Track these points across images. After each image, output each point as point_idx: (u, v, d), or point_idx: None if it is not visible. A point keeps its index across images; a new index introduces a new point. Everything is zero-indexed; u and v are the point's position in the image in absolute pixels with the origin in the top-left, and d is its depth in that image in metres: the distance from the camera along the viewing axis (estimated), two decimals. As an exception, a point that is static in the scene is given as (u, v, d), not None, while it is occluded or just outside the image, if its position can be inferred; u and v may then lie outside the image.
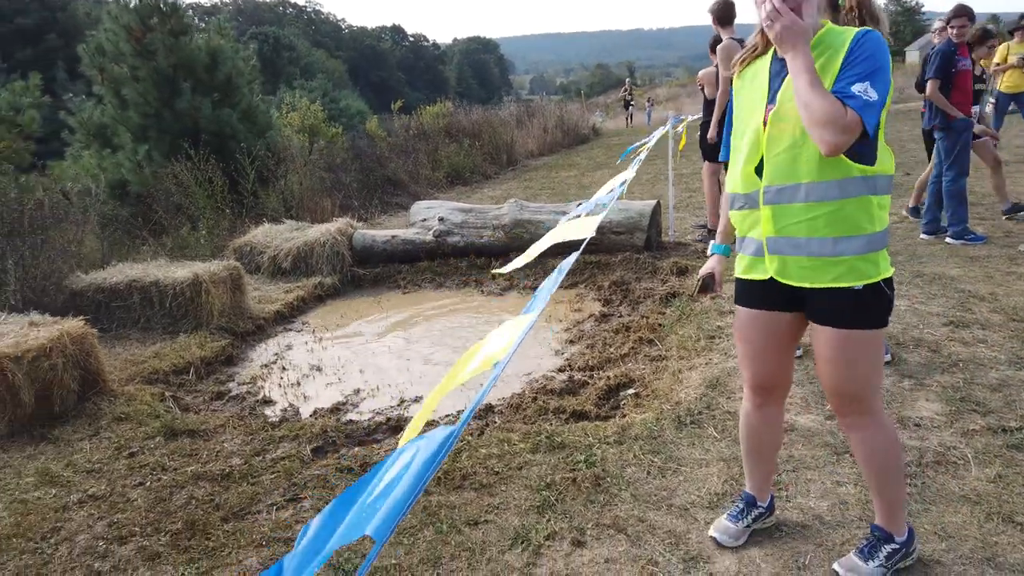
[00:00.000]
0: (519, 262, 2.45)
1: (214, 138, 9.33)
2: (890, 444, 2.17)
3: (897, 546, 2.23)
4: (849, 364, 2.06)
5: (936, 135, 5.98)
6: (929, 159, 6.93)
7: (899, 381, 3.49)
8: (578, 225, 2.32)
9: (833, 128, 1.81)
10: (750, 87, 2.13)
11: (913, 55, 46.76)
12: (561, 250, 2.88)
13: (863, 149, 1.93)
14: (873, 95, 1.84)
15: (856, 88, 1.84)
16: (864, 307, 2.01)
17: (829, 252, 1.98)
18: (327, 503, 3.03)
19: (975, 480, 2.69)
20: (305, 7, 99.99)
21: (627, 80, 32.18)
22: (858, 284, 1.99)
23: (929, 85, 5.78)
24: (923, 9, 69.93)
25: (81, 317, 4.29)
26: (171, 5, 9.56)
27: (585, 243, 2.47)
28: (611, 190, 3.31)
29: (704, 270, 2.47)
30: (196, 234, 7.68)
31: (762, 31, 2.06)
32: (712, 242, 2.52)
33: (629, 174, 3.62)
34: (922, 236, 6.19)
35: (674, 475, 2.92)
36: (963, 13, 5.78)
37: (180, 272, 5.40)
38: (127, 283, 5.34)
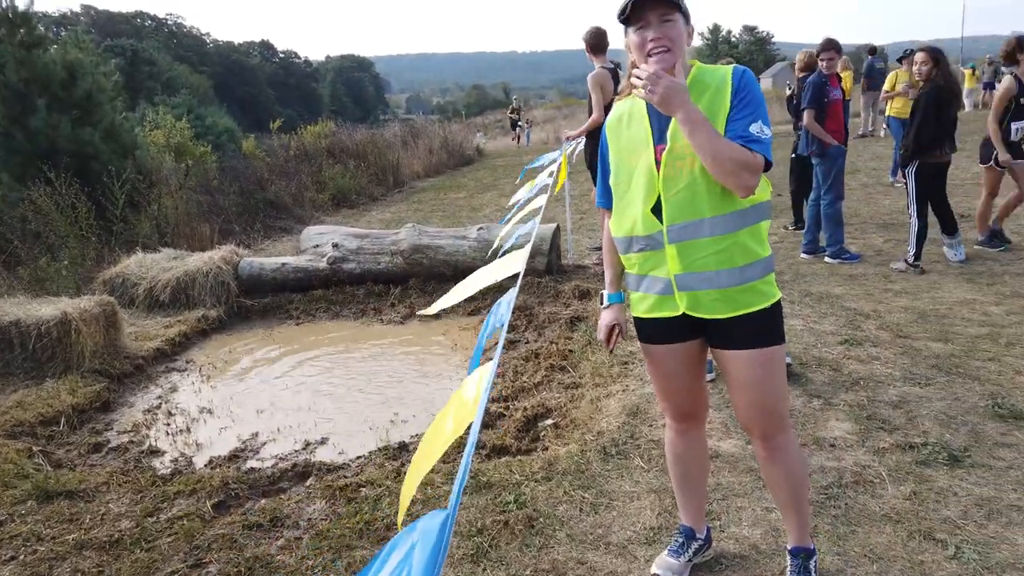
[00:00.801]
0: (445, 302, 2.31)
1: (75, 159, 8.56)
2: (802, 459, 2.31)
3: (815, 556, 2.34)
4: (771, 380, 2.13)
5: (813, 161, 6.35)
6: (793, 183, 7.51)
7: (809, 401, 3.62)
8: (504, 264, 2.23)
9: (746, 172, 1.91)
10: (628, 130, 2.13)
11: (766, 82, 50.30)
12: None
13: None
14: (767, 132, 1.96)
15: (754, 129, 1.94)
16: (775, 324, 2.11)
17: (737, 281, 2.04)
18: (236, 566, 2.76)
19: (892, 499, 2.79)
20: (165, 20, 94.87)
21: (514, 99, 32.35)
22: (767, 304, 2.07)
23: (806, 115, 6.14)
24: (773, 39, 75.87)
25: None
26: (21, 15, 8.73)
27: (520, 278, 2.36)
28: (526, 220, 3.24)
29: (606, 325, 2.35)
30: (57, 265, 6.96)
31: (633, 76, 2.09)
32: (603, 292, 2.38)
33: (541, 201, 3.57)
34: (802, 256, 6.55)
35: (607, 511, 2.87)
36: (831, 47, 6.20)
37: (45, 310, 4.86)
38: (-20, 324, 4.75)
